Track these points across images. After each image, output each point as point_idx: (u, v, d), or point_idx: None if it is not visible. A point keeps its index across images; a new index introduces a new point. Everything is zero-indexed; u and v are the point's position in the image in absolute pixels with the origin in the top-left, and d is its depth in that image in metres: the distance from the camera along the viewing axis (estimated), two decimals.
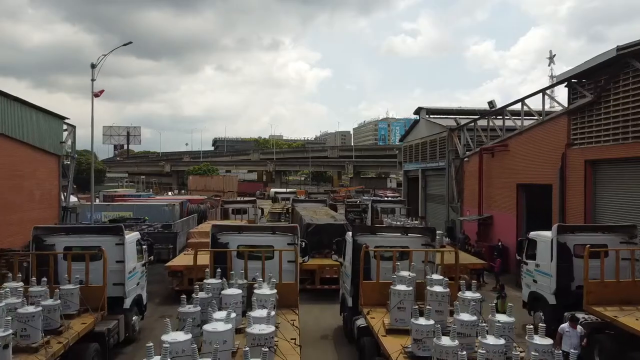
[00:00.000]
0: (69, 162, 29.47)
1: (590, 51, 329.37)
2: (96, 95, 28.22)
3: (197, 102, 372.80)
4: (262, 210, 36.75)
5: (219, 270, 10.85)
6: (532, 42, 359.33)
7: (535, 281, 14.43)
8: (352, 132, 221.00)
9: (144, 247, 14.35)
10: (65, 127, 28.46)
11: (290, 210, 33.76)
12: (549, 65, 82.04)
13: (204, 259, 13.27)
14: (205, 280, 10.43)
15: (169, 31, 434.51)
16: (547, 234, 14.05)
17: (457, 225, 29.58)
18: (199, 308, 8.84)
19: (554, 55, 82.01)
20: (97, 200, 47.31)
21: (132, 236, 13.43)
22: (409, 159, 41.00)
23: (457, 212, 29.61)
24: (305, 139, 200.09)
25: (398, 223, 26.56)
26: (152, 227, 27.54)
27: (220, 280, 10.33)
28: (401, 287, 9.92)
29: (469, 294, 9.67)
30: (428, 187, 37.13)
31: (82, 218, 29.59)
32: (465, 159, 28.69)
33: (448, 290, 9.90)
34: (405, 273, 10.90)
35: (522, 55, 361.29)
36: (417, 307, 8.78)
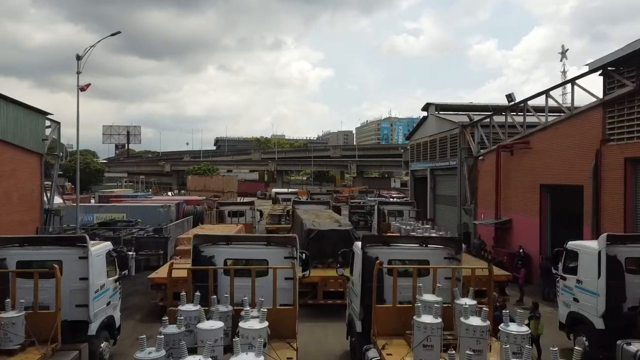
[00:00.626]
0: (54, 161, 27.61)
1: (593, 51, 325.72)
2: (82, 89, 26.52)
3: (199, 102, 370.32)
4: (261, 212, 34.63)
5: (198, 293, 8.73)
6: (535, 41, 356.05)
7: (576, 300, 12.24)
8: (354, 132, 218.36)
9: (122, 257, 12.37)
10: (48, 123, 26.55)
11: (290, 213, 31.66)
12: (561, 60, 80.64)
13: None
14: (179, 307, 8.32)
15: (171, 31, 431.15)
16: (592, 244, 11.87)
17: (470, 229, 27.45)
18: (163, 352, 6.56)
19: (567, 49, 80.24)
20: (93, 200, 45.44)
21: (100, 247, 11.34)
22: (416, 157, 38.92)
23: (470, 215, 27.52)
24: (308, 138, 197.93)
25: (408, 227, 24.54)
26: (143, 230, 25.70)
27: (197, 308, 8.22)
28: (427, 319, 7.74)
29: (514, 328, 7.53)
30: (437, 187, 35.03)
31: (68, 220, 27.62)
32: (480, 158, 26.56)
33: (488, 323, 7.71)
34: (430, 297, 8.76)
35: (525, 54, 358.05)
36: (453, 351, 6.60)
